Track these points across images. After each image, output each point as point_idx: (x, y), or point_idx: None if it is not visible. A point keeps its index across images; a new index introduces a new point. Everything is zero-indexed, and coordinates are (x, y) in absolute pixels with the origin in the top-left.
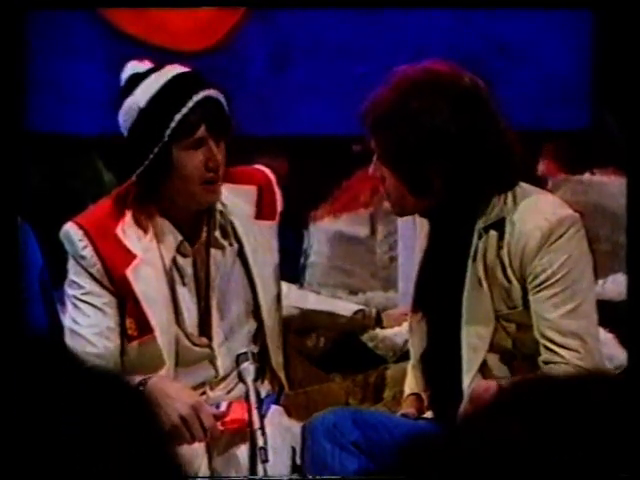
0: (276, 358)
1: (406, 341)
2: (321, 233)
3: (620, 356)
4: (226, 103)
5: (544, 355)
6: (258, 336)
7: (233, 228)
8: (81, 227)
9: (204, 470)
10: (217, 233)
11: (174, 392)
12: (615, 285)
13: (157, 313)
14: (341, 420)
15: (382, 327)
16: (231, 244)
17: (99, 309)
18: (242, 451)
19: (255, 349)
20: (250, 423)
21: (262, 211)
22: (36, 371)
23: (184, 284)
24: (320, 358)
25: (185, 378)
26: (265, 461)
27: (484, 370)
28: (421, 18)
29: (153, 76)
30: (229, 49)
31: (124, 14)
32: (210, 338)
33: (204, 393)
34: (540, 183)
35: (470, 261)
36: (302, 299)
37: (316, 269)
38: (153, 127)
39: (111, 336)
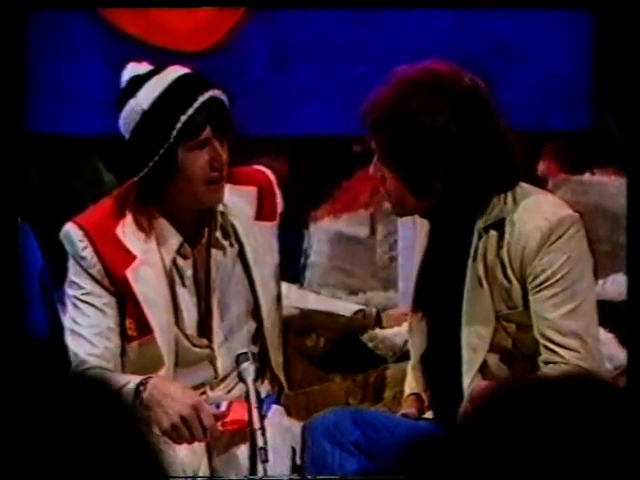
0: (276, 358)
1: (406, 341)
2: (321, 233)
3: (620, 356)
4: (228, 103)
5: (544, 355)
6: (258, 336)
7: (234, 229)
8: (81, 227)
9: (204, 470)
10: (218, 234)
11: (174, 392)
12: (615, 285)
13: (157, 314)
14: (341, 420)
15: (382, 327)
16: (232, 245)
17: (99, 309)
18: (242, 451)
19: (255, 349)
20: (250, 423)
21: (262, 212)
22: (32, 373)
23: (184, 285)
24: (320, 358)
25: (185, 378)
26: (265, 461)
27: (484, 370)
28: (421, 18)
29: (155, 78)
30: (229, 49)
31: (124, 14)
32: (210, 339)
33: (204, 393)
34: (540, 183)
35: (470, 261)
36: (302, 299)
37: (316, 269)
38: (158, 129)
39: (111, 336)
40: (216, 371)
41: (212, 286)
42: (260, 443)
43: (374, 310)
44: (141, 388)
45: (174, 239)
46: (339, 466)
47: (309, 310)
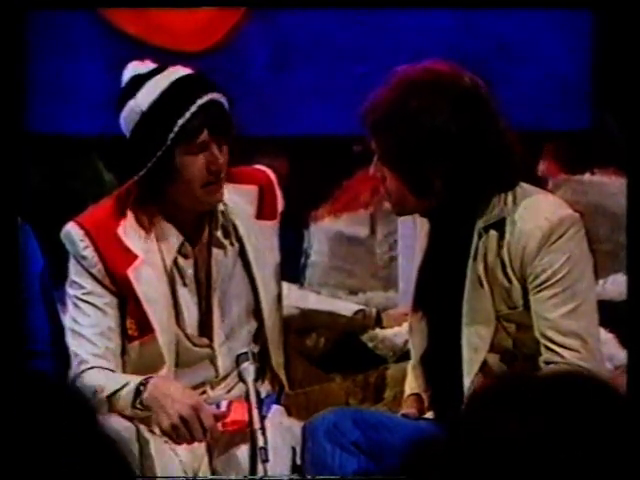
0: (276, 358)
1: (406, 341)
2: (321, 233)
3: (620, 356)
4: (228, 105)
5: (545, 355)
6: (258, 336)
7: (234, 228)
8: (82, 227)
9: (204, 470)
10: (219, 233)
11: (175, 392)
12: (615, 285)
13: (158, 313)
14: (341, 420)
15: (382, 327)
16: (232, 244)
17: (100, 309)
18: (242, 451)
19: (255, 349)
20: (250, 423)
21: (263, 211)
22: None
23: (185, 285)
24: (320, 358)
25: (185, 378)
26: (265, 461)
27: (485, 370)
28: (421, 18)
29: (155, 78)
30: (229, 49)
31: (124, 14)
32: (210, 338)
33: (204, 392)
34: (540, 183)
35: (470, 261)
36: (302, 299)
37: (316, 269)
38: (156, 131)
39: (112, 336)
40: (217, 370)
41: (213, 285)
42: (260, 443)
43: (374, 310)
44: (141, 388)
45: (175, 239)
46: (339, 466)
47: (309, 310)
